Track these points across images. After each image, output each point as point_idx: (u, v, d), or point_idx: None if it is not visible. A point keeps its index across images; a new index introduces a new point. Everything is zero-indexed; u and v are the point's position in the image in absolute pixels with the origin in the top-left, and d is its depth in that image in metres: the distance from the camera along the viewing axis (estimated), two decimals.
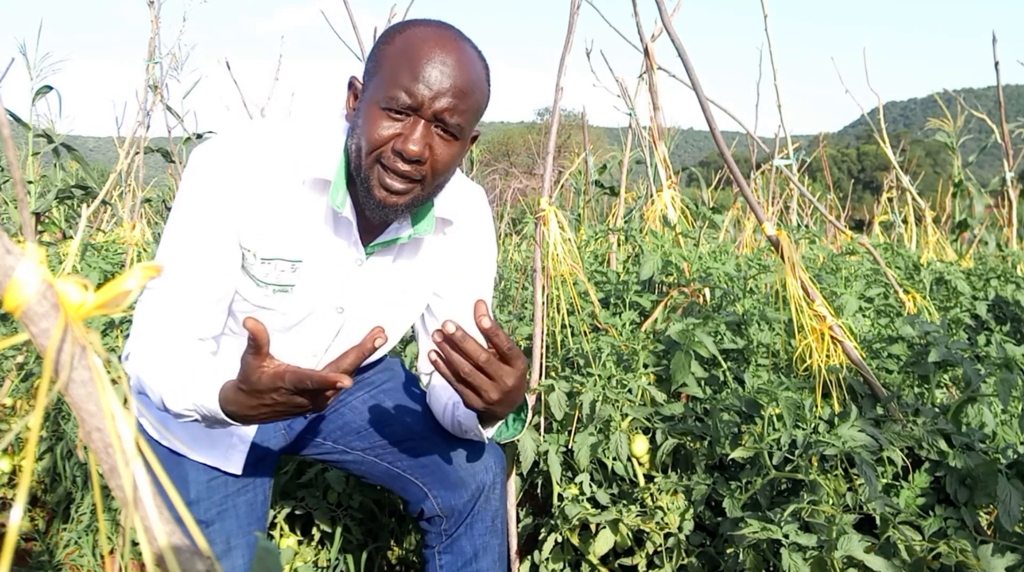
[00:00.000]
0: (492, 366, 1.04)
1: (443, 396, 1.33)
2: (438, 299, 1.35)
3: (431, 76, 1.08)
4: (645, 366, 1.68)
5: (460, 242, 1.32)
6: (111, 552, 1.92)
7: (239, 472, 1.30)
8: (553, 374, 1.72)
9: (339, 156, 1.18)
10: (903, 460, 1.39)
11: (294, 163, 1.16)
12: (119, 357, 2.09)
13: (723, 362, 1.70)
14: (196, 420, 1.09)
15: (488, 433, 1.27)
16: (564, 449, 1.59)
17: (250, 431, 1.31)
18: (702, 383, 1.69)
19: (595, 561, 1.54)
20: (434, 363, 1.06)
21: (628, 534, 1.49)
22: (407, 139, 1.09)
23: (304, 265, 1.20)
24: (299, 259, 1.19)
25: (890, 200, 6.08)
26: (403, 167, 1.10)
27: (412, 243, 1.28)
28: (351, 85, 1.18)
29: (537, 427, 1.61)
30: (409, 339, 2.16)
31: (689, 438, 1.56)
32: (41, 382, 0.32)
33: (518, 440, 1.52)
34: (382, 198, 1.12)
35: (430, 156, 1.11)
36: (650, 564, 1.52)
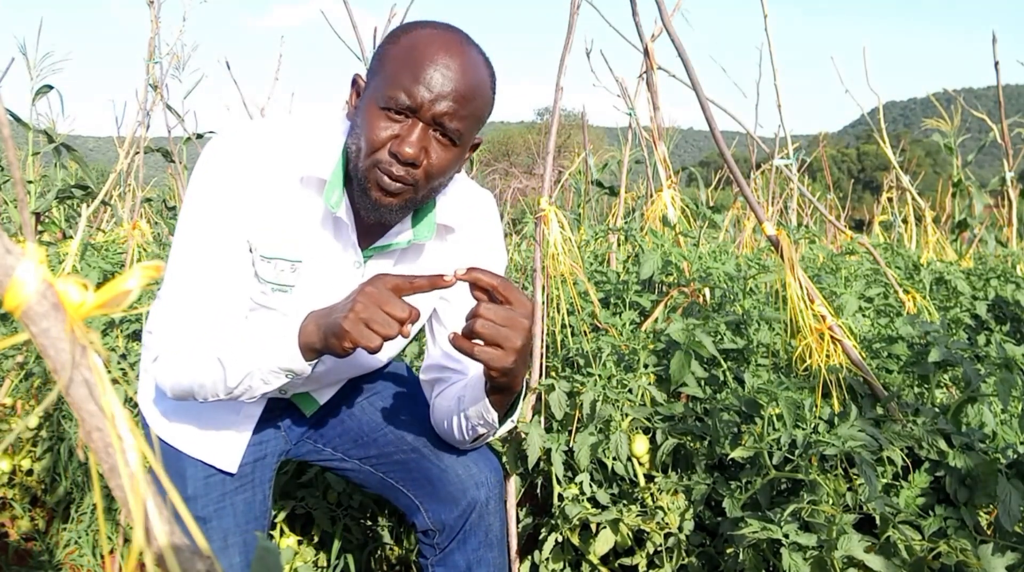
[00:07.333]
0: (503, 312, 1.06)
1: (447, 404, 1.31)
2: (446, 304, 1.33)
3: (432, 79, 1.06)
4: (645, 366, 1.68)
5: (464, 249, 1.30)
6: (111, 552, 1.92)
7: (234, 471, 1.29)
8: (553, 374, 1.72)
9: (337, 155, 1.17)
10: (903, 460, 1.38)
11: (292, 161, 1.15)
12: (119, 355, 2.09)
13: (723, 362, 1.70)
14: (249, 390, 1.12)
15: (503, 429, 1.26)
16: (565, 449, 1.59)
17: (248, 430, 1.31)
18: (702, 383, 1.69)
19: (595, 561, 1.54)
20: (453, 340, 1.06)
21: (628, 534, 1.48)
22: (403, 141, 1.07)
23: (304, 266, 1.19)
24: (299, 259, 1.18)
25: (890, 200, 6.08)
26: (397, 170, 1.09)
27: (413, 249, 1.26)
28: (354, 82, 1.17)
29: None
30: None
31: (689, 438, 1.56)
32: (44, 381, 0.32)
33: (524, 435, 1.52)
34: (376, 199, 1.11)
35: (425, 160, 1.10)
36: (650, 564, 1.52)
